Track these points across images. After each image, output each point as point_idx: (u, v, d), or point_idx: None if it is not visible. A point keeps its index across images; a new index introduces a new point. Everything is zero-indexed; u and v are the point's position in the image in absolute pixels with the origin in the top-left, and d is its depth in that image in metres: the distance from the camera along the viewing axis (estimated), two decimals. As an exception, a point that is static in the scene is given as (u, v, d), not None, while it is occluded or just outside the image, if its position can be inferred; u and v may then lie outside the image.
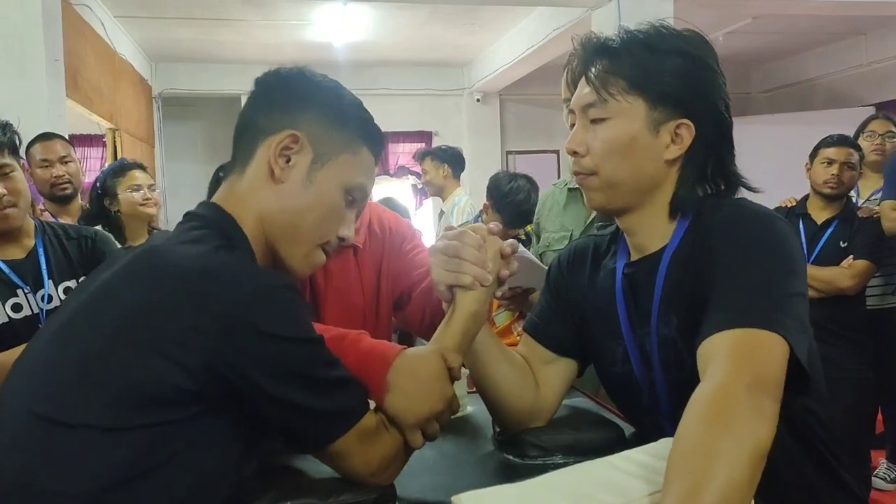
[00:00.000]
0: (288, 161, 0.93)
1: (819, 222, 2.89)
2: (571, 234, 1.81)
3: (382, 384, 0.92)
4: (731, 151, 1.05)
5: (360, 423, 0.86)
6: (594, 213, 1.75)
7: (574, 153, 1.05)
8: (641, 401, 1.07)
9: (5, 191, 1.62)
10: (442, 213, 4.42)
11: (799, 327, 0.86)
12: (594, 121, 1.02)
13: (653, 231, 1.05)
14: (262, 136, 0.94)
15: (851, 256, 2.77)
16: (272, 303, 0.81)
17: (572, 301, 1.17)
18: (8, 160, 1.64)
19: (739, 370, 0.79)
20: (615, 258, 1.12)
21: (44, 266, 1.71)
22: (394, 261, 1.49)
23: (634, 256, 1.09)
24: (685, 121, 1.00)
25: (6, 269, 1.67)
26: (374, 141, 1.01)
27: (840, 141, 2.88)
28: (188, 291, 0.79)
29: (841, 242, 2.82)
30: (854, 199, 3.07)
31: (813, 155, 2.92)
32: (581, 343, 1.16)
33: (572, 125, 1.07)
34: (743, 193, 1.08)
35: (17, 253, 1.70)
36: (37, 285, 1.69)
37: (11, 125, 1.70)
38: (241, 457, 0.85)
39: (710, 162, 1.03)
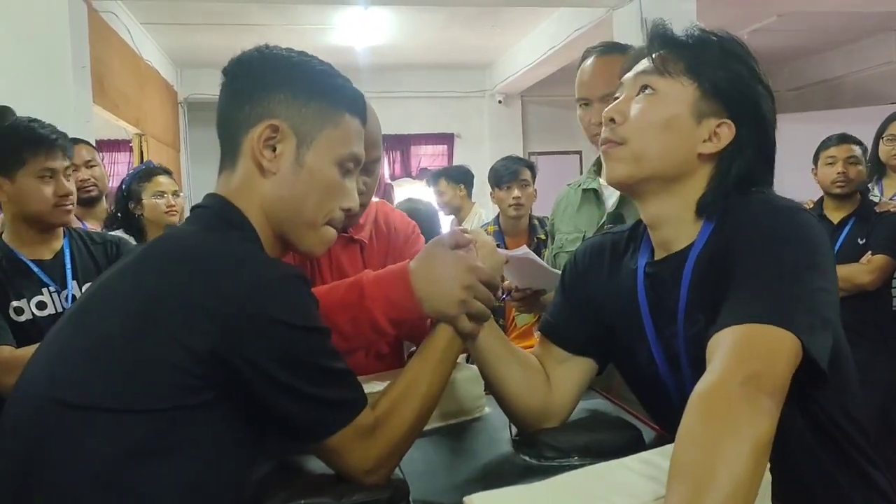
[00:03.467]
0: (274, 150, 0.92)
1: (835, 222, 2.89)
2: (584, 236, 1.80)
3: (414, 296, 1.02)
4: (771, 162, 1.04)
5: (358, 419, 0.87)
6: (607, 215, 1.74)
7: (611, 119, 1.04)
8: (671, 402, 1.05)
9: (71, 190, 1.77)
10: None
11: (818, 323, 0.84)
12: (643, 88, 1.02)
13: (678, 226, 1.03)
14: (242, 130, 0.93)
15: (870, 252, 2.76)
16: (281, 291, 0.82)
17: (590, 300, 1.16)
18: (69, 164, 1.79)
19: (735, 366, 0.77)
20: (635, 257, 1.11)
21: (69, 267, 1.80)
22: (397, 258, 1.48)
23: (658, 255, 1.07)
24: (727, 121, 1.00)
25: (34, 268, 1.75)
26: (353, 104, 0.98)
27: (840, 139, 2.91)
28: (198, 276, 0.80)
29: (859, 239, 2.81)
30: (879, 199, 3.03)
31: (816, 158, 2.94)
32: (599, 342, 1.15)
33: (615, 98, 1.07)
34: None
35: (45, 253, 1.79)
36: (62, 285, 1.77)
37: (65, 133, 1.82)
38: (249, 451, 0.86)
39: (743, 169, 1.02)
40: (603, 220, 1.74)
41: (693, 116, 1.00)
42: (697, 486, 0.66)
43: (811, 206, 3.04)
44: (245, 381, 0.80)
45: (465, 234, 1.09)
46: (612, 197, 1.76)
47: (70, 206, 1.77)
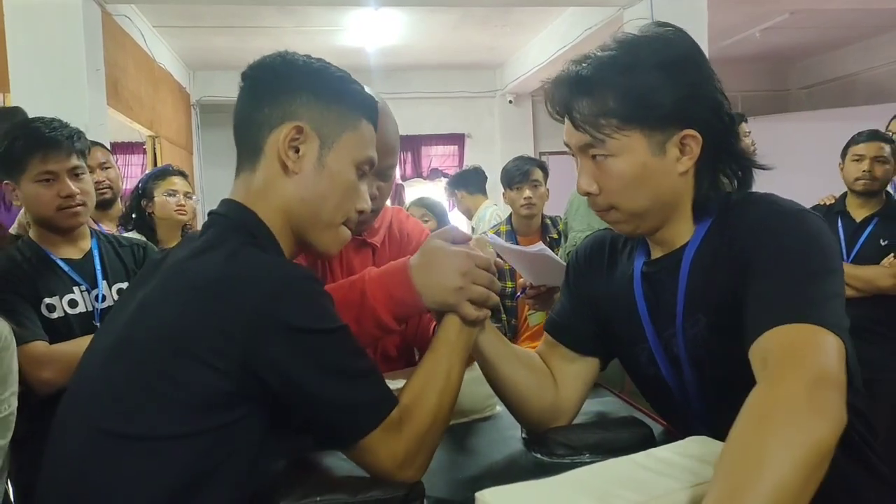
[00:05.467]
0: (297, 152, 0.94)
1: (858, 220, 2.84)
2: None
3: (414, 290, 1.02)
4: (735, 135, 1.03)
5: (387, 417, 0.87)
6: None
7: (587, 194, 1.04)
8: (673, 400, 1.06)
9: (77, 190, 1.72)
10: (473, 230, 4.40)
11: (844, 325, 0.84)
12: (597, 157, 1.00)
13: (675, 228, 1.04)
14: (265, 131, 0.95)
15: (893, 255, 2.70)
16: (294, 296, 0.83)
17: (591, 298, 1.16)
18: (79, 163, 1.75)
19: (799, 368, 0.76)
20: (632, 256, 1.11)
21: (98, 267, 1.81)
22: None
23: (655, 253, 1.08)
24: (688, 131, 0.97)
25: (65, 267, 1.76)
26: (370, 110, 1.01)
27: (870, 136, 2.83)
28: (211, 302, 0.82)
29: (881, 240, 2.75)
30: (894, 195, 3.00)
31: (844, 153, 2.88)
32: (602, 340, 1.16)
33: (574, 155, 1.05)
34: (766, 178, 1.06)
35: (74, 253, 1.80)
36: (92, 285, 1.78)
37: (82, 132, 1.80)
38: (277, 450, 0.89)
39: (723, 155, 1.02)
40: None
41: (654, 154, 0.98)
42: (738, 488, 0.64)
43: (832, 201, 2.98)
44: (274, 392, 0.82)
45: (464, 232, 1.10)
46: None
47: (77, 208, 1.73)
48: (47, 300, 1.70)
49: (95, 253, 1.82)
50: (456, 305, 1.01)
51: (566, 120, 1.03)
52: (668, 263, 1.04)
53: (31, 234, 1.79)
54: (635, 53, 0.98)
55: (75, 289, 1.75)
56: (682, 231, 1.04)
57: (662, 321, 1.04)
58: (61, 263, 1.76)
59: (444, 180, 7.74)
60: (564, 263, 1.68)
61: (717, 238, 0.99)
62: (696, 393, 1.02)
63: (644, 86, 0.96)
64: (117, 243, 1.91)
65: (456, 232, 1.09)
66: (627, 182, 0.99)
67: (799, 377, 0.74)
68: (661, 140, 0.97)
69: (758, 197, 1.01)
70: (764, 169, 1.04)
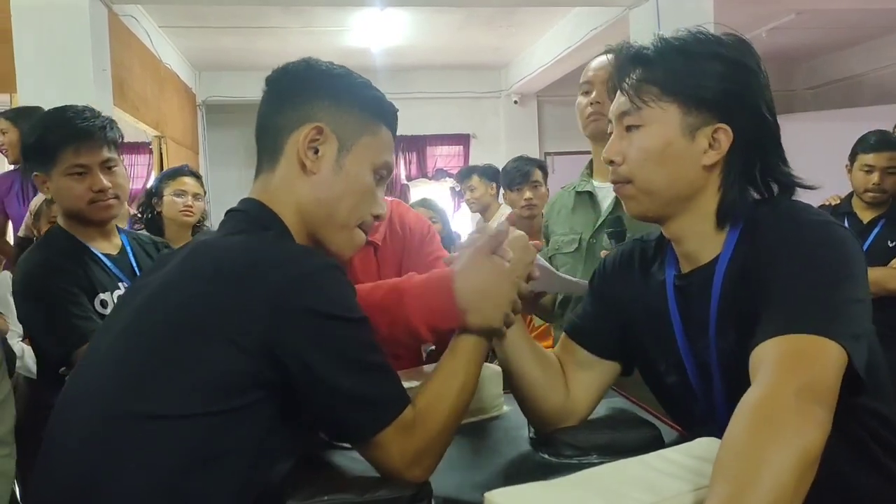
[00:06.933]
0: (316, 152, 0.96)
1: (865, 221, 2.82)
2: (580, 238, 1.79)
3: (456, 307, 1.00)
4: (779, 153, 1.03)
5: (401, 416, 0.88)
6: (603, 217, 1.73)
7: (611, 162, 1.04)
8: (695, 410, 1.06)
9: (110, 184, 1.66)
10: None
11: (858, 332, 0.84)
12: (629, 128, 1.02)
13: (701, 240, 1.03)
14: (286, 133, 0.97)
15: None
16: (320, 282, 0.84)
17: (618, 306, 1.16)
18: (112, 154, 1.68)
19: (788, 376, 0.78)
20: (663, 267, 1.11)
21: (134, 263, 1.77)
22: (413, 259, 1.50)
23: (685, 267, 1.07)
24: (722, 125, 0.98)
25: (107, 263, 1.71)
26: (390, 117, 1.03)
27: (880, 144, 2.75)
28: (237, 282, 0.83)
29: (889, 242, 2.72)
30: None
31: (852, 157, 2.82)
32: (625, 347, 1.16)
33: (610, 133, 1.07)
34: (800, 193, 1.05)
35: (110, 249, 1.75)
36: (132, 281, 1.71)
37: (114, 121, 1.73)
38: (289, 453, 0.89)
39: (756, 165, 1.01)
40: (600, 222, 1.74)
41: (684, 135, 0.99)
42: (739, 490, 0.67)
43: (838, 201, 2.96)
44: (291, 378, 0.82)
45: (499, 232, 1.07)
46: (606, 199, 1.76)
47: (110, 201, 1.67)
48: (101, 295, 1.65)
49: (129, 249, 1.78)
50: (496, 330, 1.03)
51: (618, 92, 1.05)
52: (699, 278, 1.03)
53: (63, 225, 1.72)
54: (699, 43, 1.01)
55: (121, 285, 1.70)
56: (708, 241, 1.03)
57: (695, 332, 1.04)
58: (104, 259, 1.71)
59: (448, 180, 7.77)
60: (552, 267, 1.68)
61: (746, 251, 0.99)
62: (722, 400, 1.01)
63: (696, 67, 0.99)
64: (140, 239, 1.88)
65: (494, 241, 1.06)
66: (650, 155, 1.00)
67: (786, 385, 0.76)
68: (694, 124, 0.99)
69: (785, 208, 1.00)
70: (810, 188, 1.03)
